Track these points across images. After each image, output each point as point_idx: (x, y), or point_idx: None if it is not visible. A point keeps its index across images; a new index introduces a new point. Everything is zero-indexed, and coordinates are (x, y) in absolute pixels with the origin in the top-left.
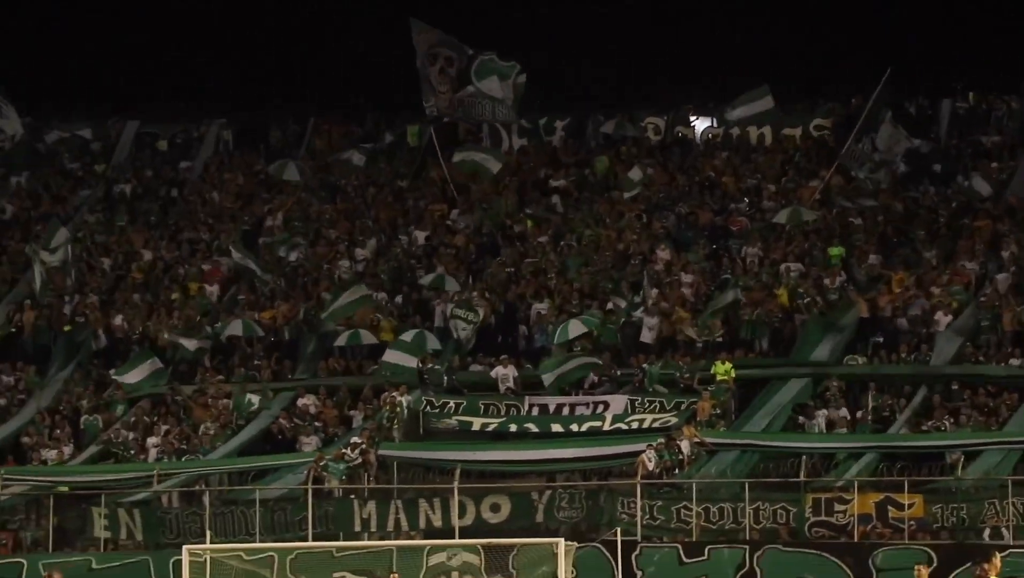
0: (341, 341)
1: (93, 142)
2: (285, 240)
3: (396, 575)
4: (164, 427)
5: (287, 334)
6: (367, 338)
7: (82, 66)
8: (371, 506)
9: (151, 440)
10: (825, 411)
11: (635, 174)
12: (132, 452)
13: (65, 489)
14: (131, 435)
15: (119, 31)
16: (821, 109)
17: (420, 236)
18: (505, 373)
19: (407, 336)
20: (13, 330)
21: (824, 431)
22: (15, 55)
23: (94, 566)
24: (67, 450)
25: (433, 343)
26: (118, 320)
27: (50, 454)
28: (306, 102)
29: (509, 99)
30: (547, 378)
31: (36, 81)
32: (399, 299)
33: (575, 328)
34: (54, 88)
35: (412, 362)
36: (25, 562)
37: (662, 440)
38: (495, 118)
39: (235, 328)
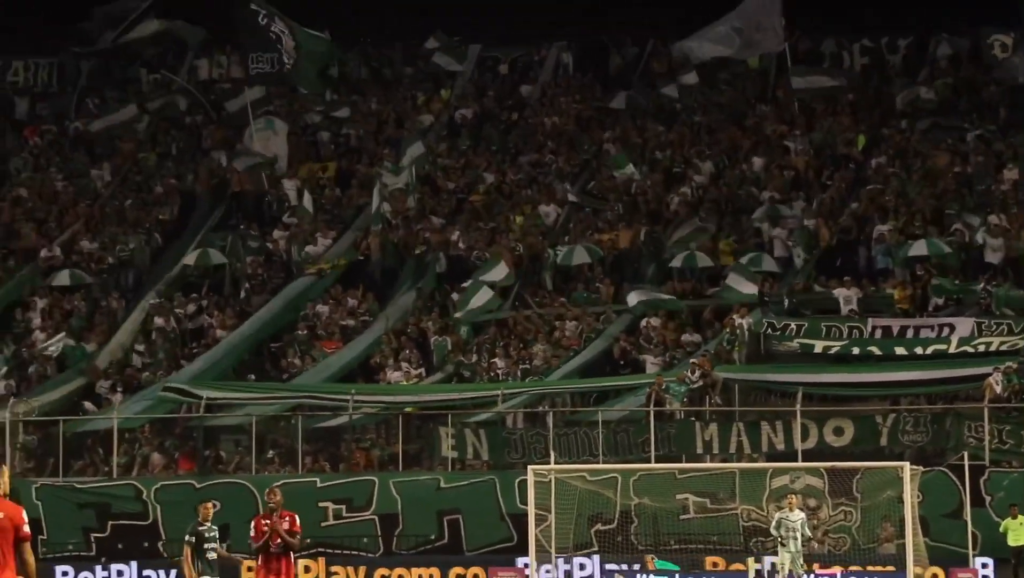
0: (677, 262)
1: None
2: (620, 163)
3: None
4: (507, 348)
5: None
6: (703, 261)
7: None
8: (712, 428)
9: (495, 361)
10: None
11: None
12: (476, 374)
13: (411, 409)
14: (475, 357)
15: None
16: None
17: (757, 161)
18: (848, 295)
19: (745, 259)
20: (361, 257)
21: None
22: None
23: (442, 485)
24: (413, 371)
25: (771, 266)
26: (460, 243)
27: (395, 375)
28: (644, 26)
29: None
30: None
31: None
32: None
33: (917, 249)
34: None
35: (752, 286)
36: (376, 480)
37: (1011, 364)
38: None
39: (579, 254)
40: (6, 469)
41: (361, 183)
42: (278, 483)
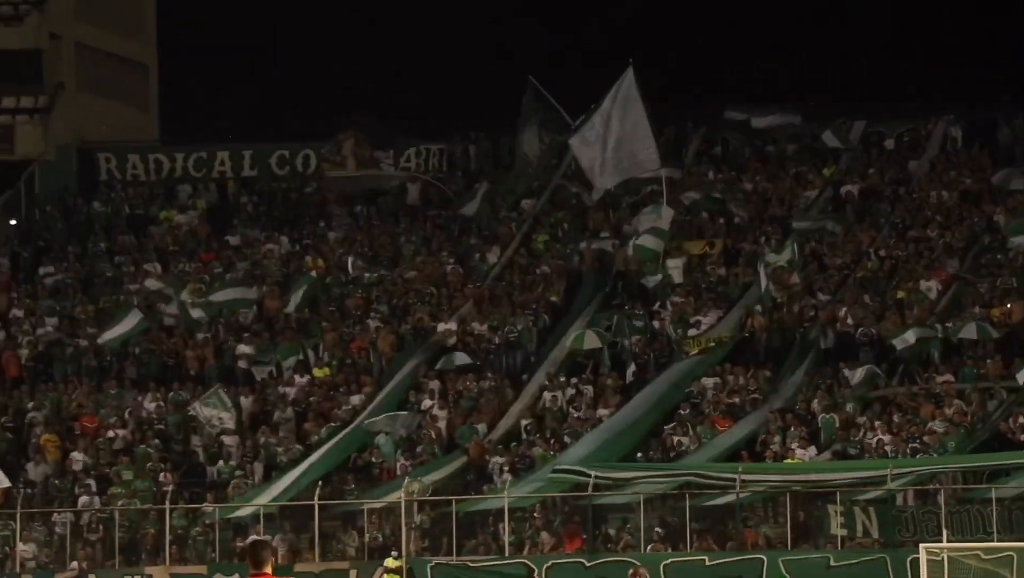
0: None
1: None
2: (1016, 230)
3: None
4: (895, 425)
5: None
6: None
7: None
8: None
9: (883, 438)
10: None
11: None
12: (864, 451)
13: (800, 488)
14: (862, 434)
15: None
16: None
17: None
18: None
19: None
20: (747, 335)
21: None
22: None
23: (832, 563)
24: (799, 451)
25: None
26: (846, 319)
27: (783, 453)
28: None
29: None
30: None
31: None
32: None
33: None
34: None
35: None
36: (765, 558)
37: None
38: None
39: (968, 331)
40: (277, 547)
41: (747, 260)
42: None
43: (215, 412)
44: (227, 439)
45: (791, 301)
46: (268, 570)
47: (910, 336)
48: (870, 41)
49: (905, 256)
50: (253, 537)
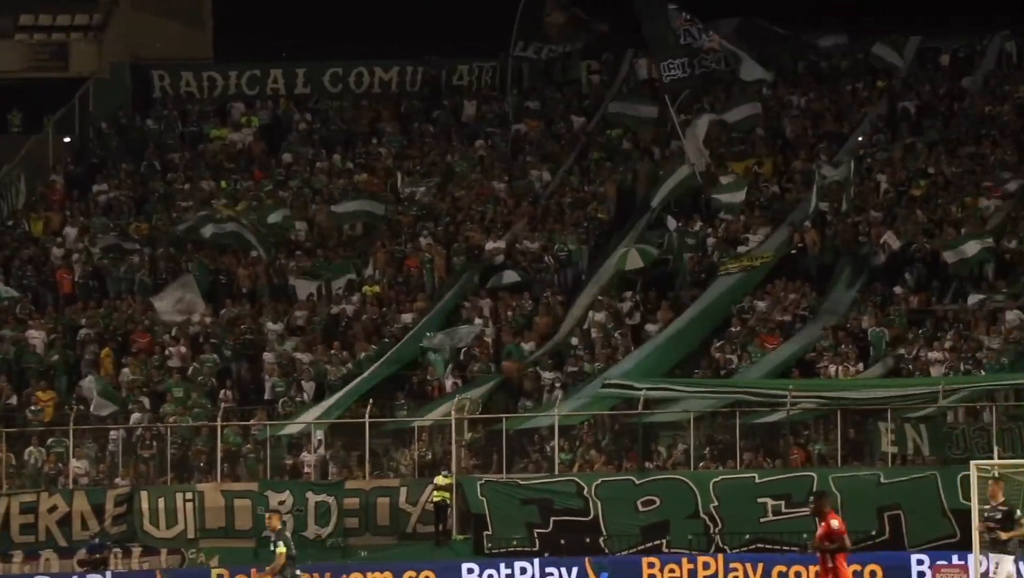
0: None
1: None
2: None
3: None
4: (948, 342)
5: None
6: None
7: None
8: None
9: (935, 354)
10: None
11: None
12: (915, 368)
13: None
14: (915, 350)
15: None
16: None
17: None
18: None
19: None
20: (794, 251)
21: None
22: None
23: (882, 481)
24: (852, 367)
25: None
26: (894, 238)
27: (834, 370)
28: None
29: None
30: None
31: None
32: None
33: None
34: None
35: None
36: (815, 476)
37: None
38: None
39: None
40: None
41: (802, 178)
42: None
43: (175, 296)
44: (268, 356)
45: (843, 217)
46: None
47: (968, 248)
48: None
49: (960, 172)
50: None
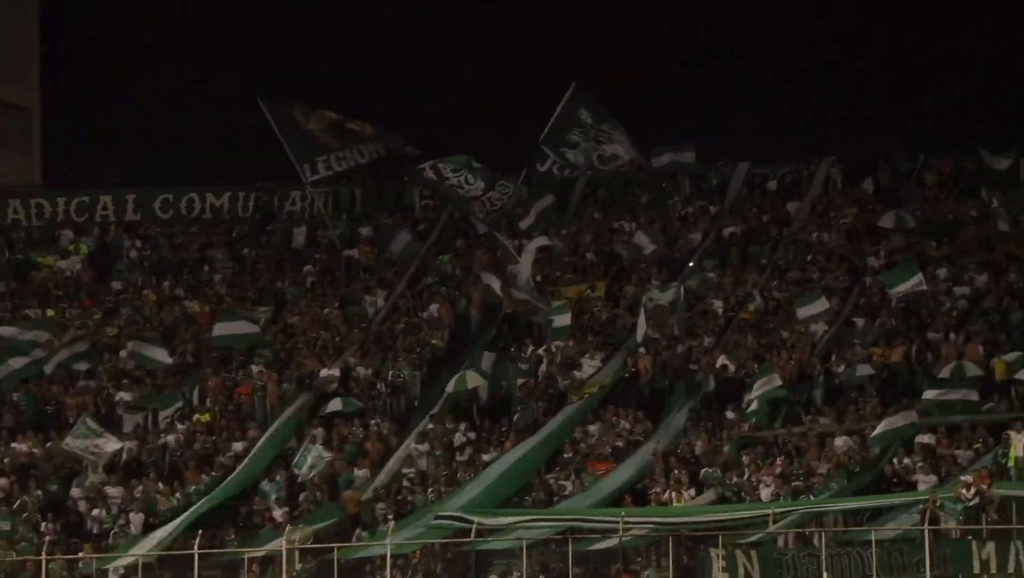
0: (945, 373)
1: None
2: (891, 279)
3: None
4: (778, 468)
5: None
6: (972, 371)
7: None
8: (990, 547)
9: (765, 481)
10: None
11: None
12: (745, 493)
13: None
14: (745, 476)
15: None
16: None
17: None
18: None
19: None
20: (626, 376)
21: None
22: None
23: None
24: (684, 493)
25: None
26: (727, 363)
27: (666, 496)
28: (916, 138)
29: None
30: None
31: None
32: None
33: None
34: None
35: None
36: None
37: None
38: None
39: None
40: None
41: (631, 303)
42: None
43: (87, 441)
44: (110, 490)
45: (674, 343)
46: None
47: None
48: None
49: (787, 297)
50: None
